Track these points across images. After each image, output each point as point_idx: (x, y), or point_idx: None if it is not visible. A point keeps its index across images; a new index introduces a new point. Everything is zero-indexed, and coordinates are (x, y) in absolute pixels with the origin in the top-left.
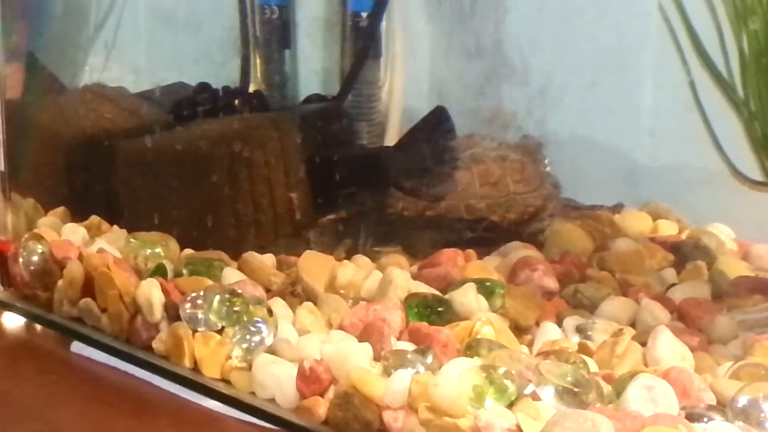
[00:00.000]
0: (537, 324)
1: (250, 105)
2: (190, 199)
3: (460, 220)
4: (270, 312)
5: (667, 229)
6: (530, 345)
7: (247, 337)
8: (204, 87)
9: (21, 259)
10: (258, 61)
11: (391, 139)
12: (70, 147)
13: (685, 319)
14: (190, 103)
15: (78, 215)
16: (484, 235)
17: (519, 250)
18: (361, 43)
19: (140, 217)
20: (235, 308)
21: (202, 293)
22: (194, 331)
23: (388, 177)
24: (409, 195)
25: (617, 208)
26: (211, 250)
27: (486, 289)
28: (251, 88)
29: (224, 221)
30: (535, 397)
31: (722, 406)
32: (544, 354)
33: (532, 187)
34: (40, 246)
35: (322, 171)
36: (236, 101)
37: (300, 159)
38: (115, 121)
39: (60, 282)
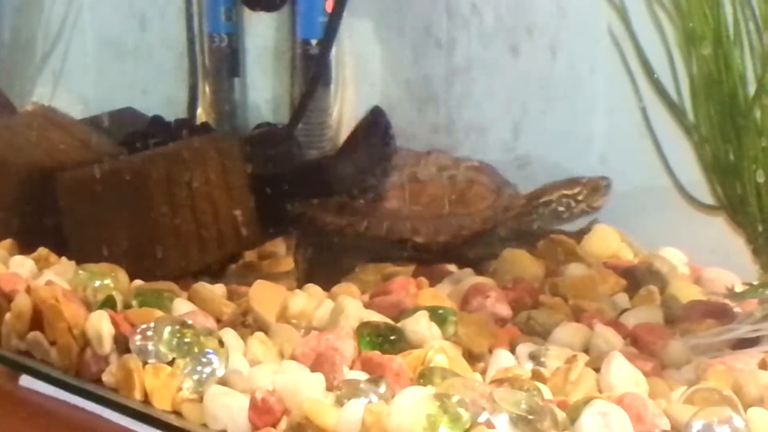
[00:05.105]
0: (490, 351)
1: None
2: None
3: (381, 239)
4: (221, 343)
5: (622, 253)
6: (483, 373)
7: (198, 368)
8: (156, 120)
9: None
10: (207, 89)
11: None
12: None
13: (638, 344)
14: (143, 136)
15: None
16: (415, 254)
17: (471, 277)
18: (313, 70)
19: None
20: (186, 339)
21: (152, 325)
22: (144, 363)
23: (329, 187)
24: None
25: (582, 231)
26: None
27: (438, 316)
28: (201, 119)
29: (169, 241)
30: (489, 425)
31: None
32: (498, 381)
33: (475, 208)
34: None
35: (264, 186)
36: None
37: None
38: (63, 151)
39: (8, 315)
